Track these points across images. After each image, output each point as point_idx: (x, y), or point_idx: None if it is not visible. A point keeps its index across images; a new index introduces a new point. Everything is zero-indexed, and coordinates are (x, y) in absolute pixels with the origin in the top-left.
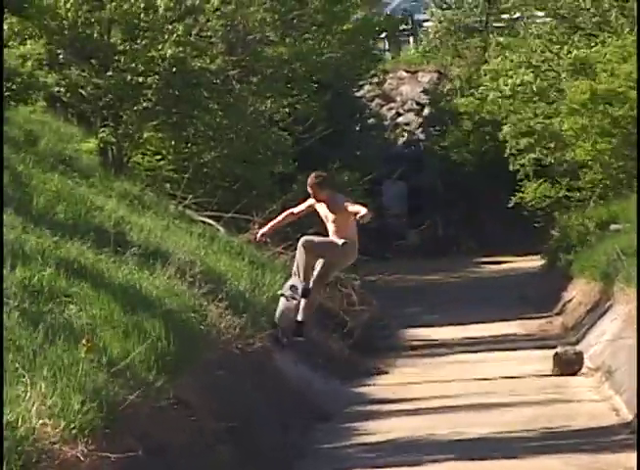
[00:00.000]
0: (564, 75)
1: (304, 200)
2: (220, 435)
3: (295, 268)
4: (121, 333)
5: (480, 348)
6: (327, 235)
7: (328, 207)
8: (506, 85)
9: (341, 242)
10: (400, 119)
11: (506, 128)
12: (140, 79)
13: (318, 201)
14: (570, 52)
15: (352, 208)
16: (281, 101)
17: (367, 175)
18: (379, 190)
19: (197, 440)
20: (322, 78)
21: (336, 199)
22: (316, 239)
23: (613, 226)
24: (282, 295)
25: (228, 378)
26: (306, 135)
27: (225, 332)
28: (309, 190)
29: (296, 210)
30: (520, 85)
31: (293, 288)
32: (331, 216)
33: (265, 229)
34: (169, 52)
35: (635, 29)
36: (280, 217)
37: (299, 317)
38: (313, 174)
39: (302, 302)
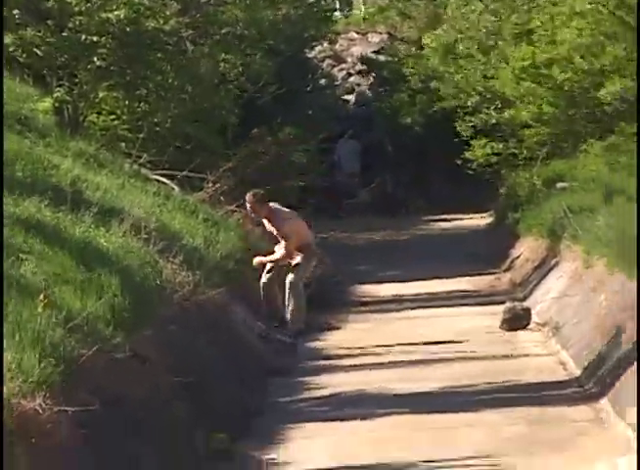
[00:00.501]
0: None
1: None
2: (177, 389)
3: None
4: (78, 289)
5: (429, 303)
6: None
7: (271, 222)
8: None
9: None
10: (351, 80)
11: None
12: (94, 39)
13: (260, 217)
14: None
15: (279, 245)
16: (234, 62)
17: (319, 134)
18: (333, 148)
19: (154, 394)
20: (274, 40)
21: (277, 215)
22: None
23: (559, 184)
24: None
25: (183, 333)
26: (258, 95)
27: (180, 288)
28: (249, 209)
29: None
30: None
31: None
32: (276, 231)
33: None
34: (123, 13)
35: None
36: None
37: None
38: (251, 193)
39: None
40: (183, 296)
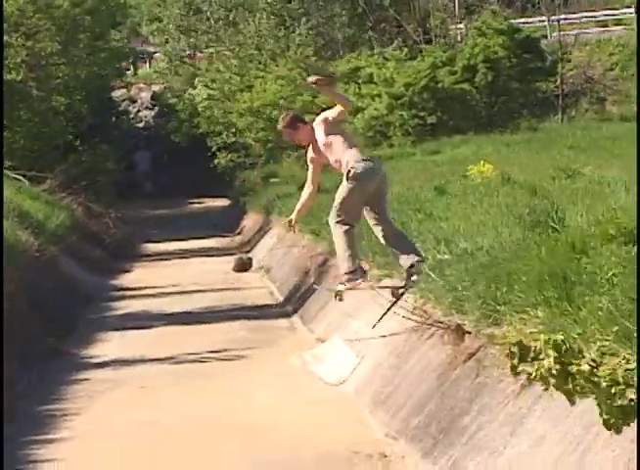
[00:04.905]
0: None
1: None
2: (27, 309)
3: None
4: None
5: (188, 255)
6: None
7: (315, 143)
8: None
9: (346, 172)
10: (140, 114)
11: (201, 119)
12: None
13: (301, 144)
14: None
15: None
16: (63, 102)
17: (122, 148)
18: (134, 158)
19: (10, 313)
20: (89, 87)
21: (315, 131)
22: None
23: (272, 180)
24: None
25: (33, 274)
26: (80, 123)
27: (29, 246)
28: (287, 138)
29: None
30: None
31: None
32: (325, 149)
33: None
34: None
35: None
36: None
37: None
38: (281, 117)
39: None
40: (32, 251)
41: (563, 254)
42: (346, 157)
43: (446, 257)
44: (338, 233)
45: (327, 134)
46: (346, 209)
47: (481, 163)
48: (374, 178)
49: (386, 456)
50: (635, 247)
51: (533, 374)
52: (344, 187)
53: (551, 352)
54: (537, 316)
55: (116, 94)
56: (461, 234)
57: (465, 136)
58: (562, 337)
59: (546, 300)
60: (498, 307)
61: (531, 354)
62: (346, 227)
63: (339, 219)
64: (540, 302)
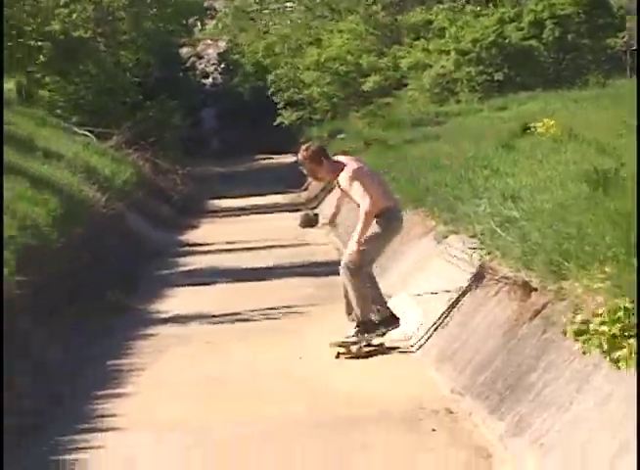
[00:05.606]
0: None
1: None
2: (93, 264)
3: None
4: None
5: (257, 211)
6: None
7: (338, 182)
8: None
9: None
10: (207, 70)
11: (270, 76)
12: (40, 44)
13: (320, 180)
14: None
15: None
16: (130, 57)
17: (189, 104)
18: (200, 114)
19: (77, 267)
20: (157, 42)
21: (343, 168)
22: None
23: (339, 135)
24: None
25: (100, 230)
26: (147, 79)
27: (96, 202)
28: (307, 171)
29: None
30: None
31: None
32: (349, 191)
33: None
34: (57, 27)
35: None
36: (334, 206)
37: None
38: (303, 148)
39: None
40: (99, 207)
41: (631, 209)
42: (380, 197)
43: (513, 212)
44: (356, 287)
45: (355, 177)
46: (368, 257)
47: (545, 120)
48: (401, 225)
49: (452, 412)
50: None
51: (596, 343)
52: (371, 232)
53: (610, 318)
54: (604, 272)
55: (183, 51)
56: (528, 190)
57: (532, 92)
58: (626, 303)
59: (613, 255)
60: (565, 263)
61: (591, 323)
62: (368, 285)
63: (354, 269)
64: (608, 257)
